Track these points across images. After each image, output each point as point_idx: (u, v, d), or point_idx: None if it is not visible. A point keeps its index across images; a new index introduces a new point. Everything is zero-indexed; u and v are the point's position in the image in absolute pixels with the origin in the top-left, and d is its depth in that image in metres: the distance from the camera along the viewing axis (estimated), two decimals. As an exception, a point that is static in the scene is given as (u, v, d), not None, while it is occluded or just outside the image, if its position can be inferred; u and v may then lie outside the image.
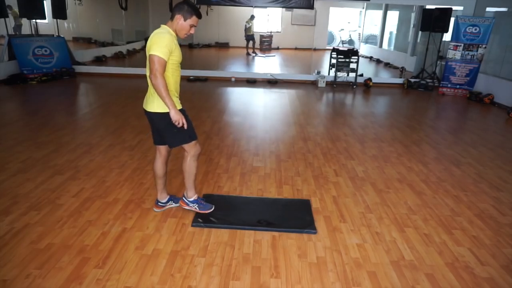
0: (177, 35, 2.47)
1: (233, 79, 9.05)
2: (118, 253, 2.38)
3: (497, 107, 7.19)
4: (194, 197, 2.82)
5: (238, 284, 2.16)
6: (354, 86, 8.66)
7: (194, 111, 5.85)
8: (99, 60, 10.69)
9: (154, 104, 2.48)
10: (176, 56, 2.42)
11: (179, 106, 2.53)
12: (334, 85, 8.69)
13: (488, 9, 8.53)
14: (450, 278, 2.28)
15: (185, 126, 2.47)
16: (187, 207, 2.84)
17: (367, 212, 3.04)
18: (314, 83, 8.92)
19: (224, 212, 2.91)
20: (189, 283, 2.15)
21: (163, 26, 2.46)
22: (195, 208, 2.82)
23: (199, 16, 2.45)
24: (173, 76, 2.47)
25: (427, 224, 2.88)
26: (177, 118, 2.41)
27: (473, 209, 3.15)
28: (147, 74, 2.45)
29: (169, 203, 2.92)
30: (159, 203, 2.90)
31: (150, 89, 2.52)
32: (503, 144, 4.94)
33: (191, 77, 8.86)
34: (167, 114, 2.43)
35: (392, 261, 2.42)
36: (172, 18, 2.45)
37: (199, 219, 2.77)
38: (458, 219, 2.98)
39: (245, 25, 13.38)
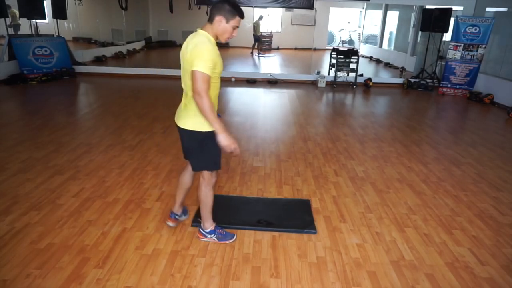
0: (216, 39, 2.19)
1: (233, 79, 9.05)
2: (118, 253, 2.38)
3: (497, 107, 7.19)
4: (211, 227, 2.54)
5: (238, 284, 2.16)
6: (354, 86, 8.65)
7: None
8: (99, 60, 10.69)
9: (188, 120, 2.21)
10: (218, 67, 2.15)
11: None
12: (334, 85, 8.69)
13: (488, 9, 8.53)
14: (450, 278, 2.28)
15: (238, 151, 2.21)
16: (204, 239, 2.55)
17: (367, 212, 3.04)
18: (314, 83, 8.91)
19: (224, 212, 2.91)
20: (189, 283, 2.15)
21: (200, 31, 2.16)
22: (214, 239, 2.54)
23: (242, 16, 2.15)
24: (213, 90, 2.18)
25: (427, 224, 2.88)
26: (228, 144, 2.13)
27: (473, 209, 3.15)
28: (183, 85, 2.24)
29: (182, 217, 2.76)
30: (175, 216, 2.67)
31: (186, 104, 2.23)
32: (503, 144, 4.94)
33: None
34: (199, 133, 2.20)
35: (392, 261, 2.42)
36: (211, 20, 2.14)
37: (199, 219, 2.76)
38: (458, 219, 2.98)
39: (254, 26, 13.48)
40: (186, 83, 2.21)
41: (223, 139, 2.12)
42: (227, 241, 2.56)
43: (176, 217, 2.68)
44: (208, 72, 2.04)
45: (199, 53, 2.03)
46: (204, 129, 2.19)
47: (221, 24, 2.13)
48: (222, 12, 2.11)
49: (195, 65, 2.02)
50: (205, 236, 2.56)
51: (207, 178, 2.39)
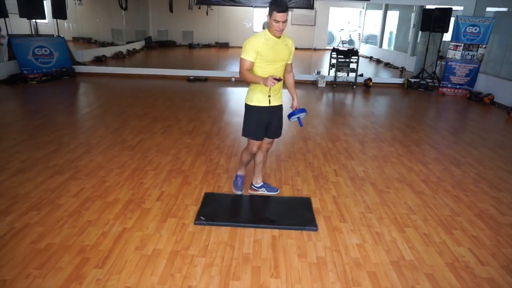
0: (275, 35, 2.64)
1: (233, 79, 9.05)
2: (118, 253, 2.38)
3: (497, 107, 7.19)
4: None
5: (238, 284, 2.16)
6: (354, 86, 8.66)
7: (194, 111, 5.84)
8: (99, 60, 10.69)
9: (246, 96, 2.89)
10: (263, 55, 2.61)
11: (278, 102, 2.89)
12: (334, 85, 8.69)
13: (488, 9, 8.53)
14: (450, 278, 2.28)
15: (274, 84, 2.54)
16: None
17: (367, 212, 3.04)
18: (314, 83, 8.92)
19: (225, 210, 2.91)
20: (189, 283, 2.15)
21: (264, 30, 2.70)
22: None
23: (277, 9, 2.48)
24: (263, 73, 2.68)
25: (427, 224, 2.88)
26: (266, 82, 2.52)
27: (473, 209, 3.15)
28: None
29: (261, 189, 3.25)
30: (253, 186, 3.27)
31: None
32: (503, 144, 4.94)
33: (191, 77, 8.86)
34: (246, 105, 2.89)
35: (392, 261, 2.42)
36: None
37: (202, 217, 2.77)
38: (458, 219, 2.98)
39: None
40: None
41: (264, 83, 2.54)
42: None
43: (254, 187, 3.26)
44: (247, 57, 2.61)
45: (244, 43, 2.64)
46: (249, 103, 2.86)
47: (268, 20, 2.60)
48: (268, 10, 2.58)
49: (241, 53, 2.63)
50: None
51: (248, 145, 2.98)
